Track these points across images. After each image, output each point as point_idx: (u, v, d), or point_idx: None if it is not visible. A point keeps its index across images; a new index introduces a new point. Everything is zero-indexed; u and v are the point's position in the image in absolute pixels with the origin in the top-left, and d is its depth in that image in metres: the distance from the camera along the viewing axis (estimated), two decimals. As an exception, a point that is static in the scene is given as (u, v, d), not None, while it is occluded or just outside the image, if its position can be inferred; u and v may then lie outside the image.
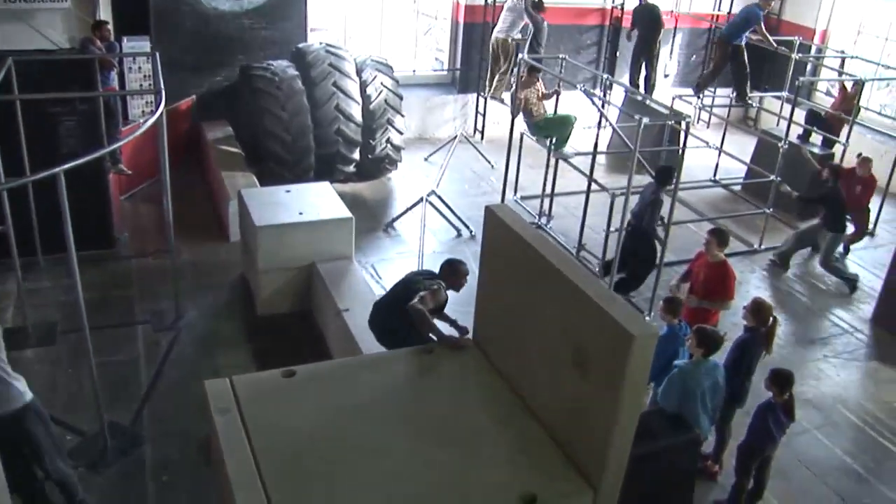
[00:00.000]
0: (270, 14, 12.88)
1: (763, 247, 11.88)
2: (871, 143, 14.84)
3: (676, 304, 7.38)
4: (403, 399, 4.74)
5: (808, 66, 15.02)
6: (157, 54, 8.90)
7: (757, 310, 7.21)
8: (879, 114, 16.18)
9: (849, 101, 13.28)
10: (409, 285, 6.64)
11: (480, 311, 5.41)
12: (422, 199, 10.64)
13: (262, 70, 11.86)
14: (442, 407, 4.72)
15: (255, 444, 4.18)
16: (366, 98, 12.27)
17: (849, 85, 13.41)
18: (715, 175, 14.18)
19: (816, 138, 13.52)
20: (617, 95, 14.79)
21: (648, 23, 14.43)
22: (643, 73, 14.74)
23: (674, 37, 16.34)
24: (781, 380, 6.64)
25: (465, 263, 6.99)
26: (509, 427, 4.60)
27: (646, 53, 14.55)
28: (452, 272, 6.90)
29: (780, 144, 11.86)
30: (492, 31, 14.11)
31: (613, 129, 10.65)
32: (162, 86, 8.03)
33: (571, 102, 12.15)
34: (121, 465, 6.79)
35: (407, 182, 13.00)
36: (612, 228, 9.76)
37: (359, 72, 12.38)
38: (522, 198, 12.40)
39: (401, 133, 12.68)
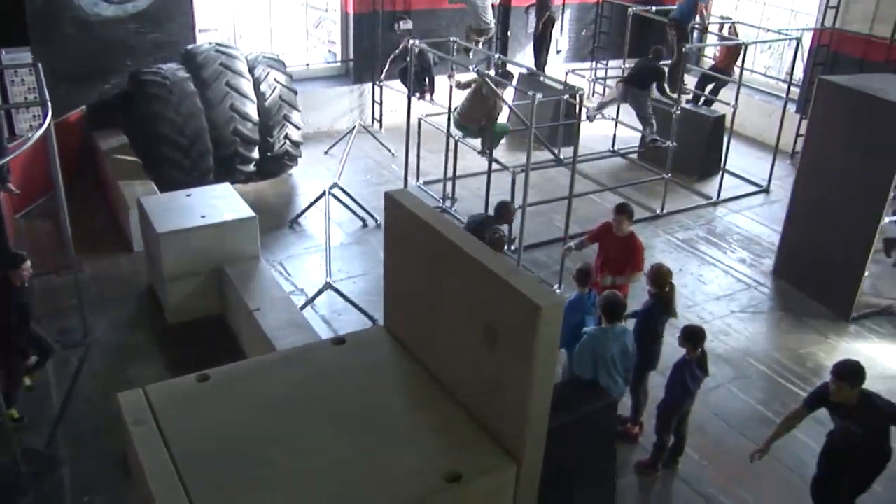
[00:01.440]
0: (156, 17, 12.58)
1: (665, 211, 12.15)
2: (758, 103, 15.33)
3: (587, 274, 7.52)
4: (321, 392, 4.72)
5: (695, 34, 15.35)
6: (40, 65, 8.64)
7: (656, 274, 7.41)
8: (765, 75, 16.65)
9: (731, 59, 13.76)
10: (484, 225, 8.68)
11: (389, 298, 5.41)
12: (324, 193, 10.60)
13: (152, 74, 11.60)
14: (359, 396, 4.71)
15: (175, 452, 4.11)
16: (260, 95, 12.11)
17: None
18: (613, 145, 14.44)
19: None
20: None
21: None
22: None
23: (563, 12, 16.51)
24: (693, 336, 6.86)
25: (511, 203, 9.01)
26: (429, 410, 4.62)
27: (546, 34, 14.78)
28: (506, 211, 8.93)
29: (672, 110, 12.11)
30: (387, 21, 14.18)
31: (510, 107, 10.74)
32: (47, 97, 7.80)
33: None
34: (37, 491, 6.62)
35: (309, 177, 12.90)
36: (516, 205, 9.85)
37: (251, 70, 12.20)
38: (425, 183, 12.43)
39: (298, 128, 12.55)
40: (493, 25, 14.95)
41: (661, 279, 7.37)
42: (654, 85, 12.61)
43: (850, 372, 6.07)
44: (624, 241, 8.28)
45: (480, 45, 14.37)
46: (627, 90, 12.72)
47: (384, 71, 14.31)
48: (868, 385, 8.38)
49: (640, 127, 12.92)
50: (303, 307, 8.96)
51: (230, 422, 4.42)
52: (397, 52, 13.96)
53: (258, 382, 4.75)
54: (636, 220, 9.94)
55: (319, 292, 9.33)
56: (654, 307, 7.38)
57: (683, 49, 12.79)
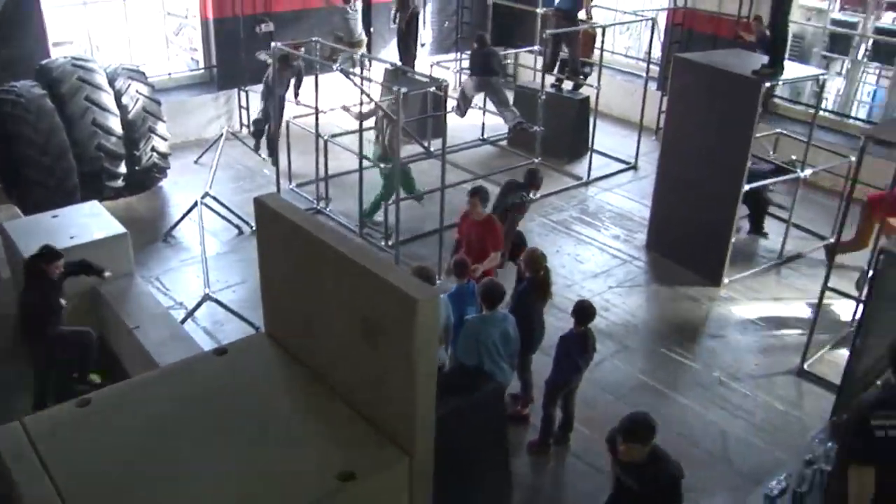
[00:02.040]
0: (2, 33, 12.07)
1: (538, 195, 12.33)
2: (621, 83, 15.76)
3: (464, 265, 7.62)
4: (206, 404, 4.65)
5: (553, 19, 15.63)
6: None
7: (530, 259, 7.57)
8: (625, 56, 17.13)
9: (589, 43, 14.15)
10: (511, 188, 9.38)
11: (268, 305, 5.37)
12: (196, 203, 10.42)
13: (5, 93, 11.12)
14: (246, 405, 4.66)
15: (60, 484, 3.99)
16: (123, 108, 11.77)
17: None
18: (483, 133, 14.61)
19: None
20: (377, 71, 14.89)
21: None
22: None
23: (425, 5, 16.61)
24: (580, 311, 7.06)
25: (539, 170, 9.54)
26: (317, 412, 4.61)
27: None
28: (533, 177, 9.44)
29: (538, 95, 12.35)
30: (248, 25, 14.04)
31: (377, 104, 10.76)
32: None
33: (332, 84, 12.14)
34: None
35: (180, 188, 12.64)
36: (390, 201, 9.91)
37: (111, 82, 11.84)
38: (298, 185, 12.35)
39: (165, 139, 12.27)
40: (364, 38, 15.07)
41: (536, 264, 7.54)
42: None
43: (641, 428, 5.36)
44: (483, 223, 8.42)
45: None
46: (480, 81, 12.96)
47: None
48: (740, 342, 8.86)
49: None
50: (183, 321, 8.82)
51: (116, 445, 4.32)
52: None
53: (141, 401, 4.66)
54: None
55: (199, 304, 9.18)
56: (529, 289, 7.53)
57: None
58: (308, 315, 4.82)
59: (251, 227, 11.11)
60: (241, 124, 14.78)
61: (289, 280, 4.98)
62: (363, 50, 14.95)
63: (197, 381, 4.92)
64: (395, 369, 4.13)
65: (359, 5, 15.10)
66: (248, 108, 14.59)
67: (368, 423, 4.49)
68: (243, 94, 14.52)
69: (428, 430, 4.30)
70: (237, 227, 11.27)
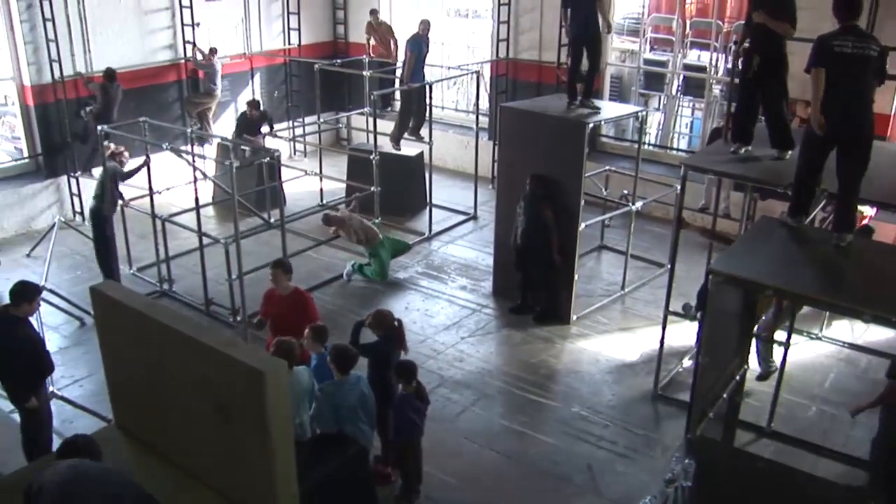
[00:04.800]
0: None
1: (383, 254, 12.42)
2: (453, 136, 16.08)
3: (322, 332, 7.53)
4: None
5: (379, 81, 15.84)
6: None
7: (380, 321, 7.57)
8: (455, 110, 17.54)
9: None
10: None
11: (115, 395, 5.20)
12: (32, 299, 9.96)
13: None
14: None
15: None
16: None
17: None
18: (322, 199, 14.56)
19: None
20: (210, 147, 14.73)
21: None
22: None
23: (252, 77, 16.59)
24: (404, 371, 7.08)
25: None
26: (176, 500, 4.47)
27: None
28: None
29: (371, 157, 12.46)
30: (82, 109, 13.68)
31: (212, 180, 10.61)
32: None
33: (163, 164, 11.90)
34: None
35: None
36: (233, 276, 9.73)
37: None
38: (139, 269, 11.98)
39: (-8, 237, 11.73)
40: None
41: (385, 322, 7.54)
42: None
43: None
44: (291, 297, 8.11)
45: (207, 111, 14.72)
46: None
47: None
48: (595, 375, 9.09)
49: (342, 178, 13.18)
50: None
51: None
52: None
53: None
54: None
55: (43, 405, 8.73)
56: (383, 347, 7.51)
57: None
58: (158, 400, 4.69)
59: (93, 317, 10.66)
60: (75, 212, 14.26)
61: (135, 367, 4.83)
62: (216, 100, 15.27)
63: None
64: (252, 443, 4.05)
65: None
66: (80, 195, 14.10)
67: (230, 503, 4.37)
68: (73, 181, 14.04)
69: (292, 498, 4.22)
70: (79, 318, 10.80)
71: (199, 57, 15.10)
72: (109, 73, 13.50)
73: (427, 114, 13.79)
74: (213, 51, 15.16)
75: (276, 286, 8.11)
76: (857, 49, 6.37)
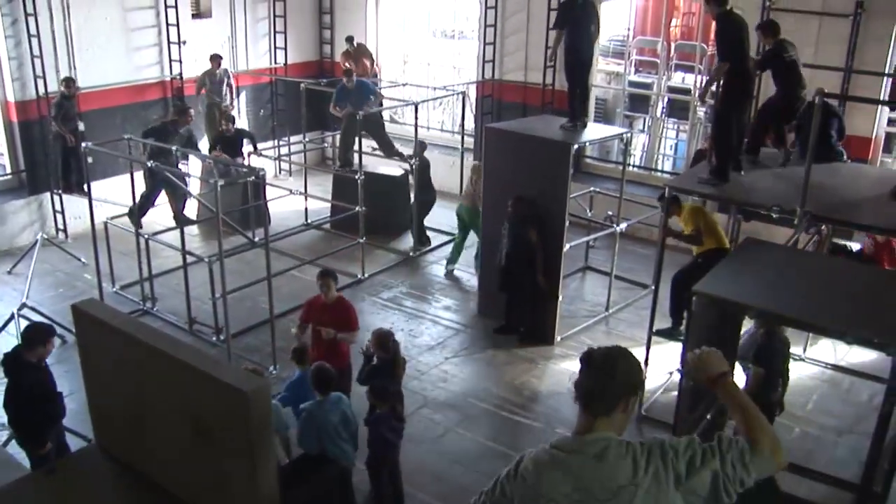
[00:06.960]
0: None
1: (366, 274, 12.38)
2: (439, 156, 16.07)
3: (303, 352, 7.52)
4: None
5: (372, 98, 15.85)
6: None
7: (382, 340, 7.54)
8: (441, 130, 17.58)
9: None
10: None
11: (96, 416, 5.14)
12: (13, 316, 9.92)
13: None
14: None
15: None
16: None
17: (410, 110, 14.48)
18: (306, 218, 14.54)
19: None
20: (195, 164, 14.69)
21: None
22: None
23: (238, 95, 16.58)
24: (378, 394, 7.05)
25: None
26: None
27: None
28: None
29: (357, 177, 12.44)
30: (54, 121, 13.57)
31: (196, 198, 10.58)
32: None
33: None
34: None
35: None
36: (216, 295, 9.68)
37: None
38: (122, 287, 11.91)
39: (-29, 254, 11.65)
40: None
41: (385, 341, 7.52)
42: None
43: None
44: (334, 306, 8.31)
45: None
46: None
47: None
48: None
49: (328, 198, 13.17)
50: (6, 443, 8.28)
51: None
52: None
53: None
54: (341, 287, 10.10)
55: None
56: (382, 368, 7.46)
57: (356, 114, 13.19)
58: (140, 420, 4.64)
59: (75, 336, 10.59)
60: (57, 229, 14.18)
61: (115, 387, 4.79)
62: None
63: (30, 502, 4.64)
64: (234, 463, 4.01)
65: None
66: (63, 212, 14.04)
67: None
68: (56, 198, 13.98)
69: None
70: (61, 336, 10.70)
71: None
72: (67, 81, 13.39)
73: (388, 140, 14.37)
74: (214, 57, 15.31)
75: (324, 295, 8.26)
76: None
